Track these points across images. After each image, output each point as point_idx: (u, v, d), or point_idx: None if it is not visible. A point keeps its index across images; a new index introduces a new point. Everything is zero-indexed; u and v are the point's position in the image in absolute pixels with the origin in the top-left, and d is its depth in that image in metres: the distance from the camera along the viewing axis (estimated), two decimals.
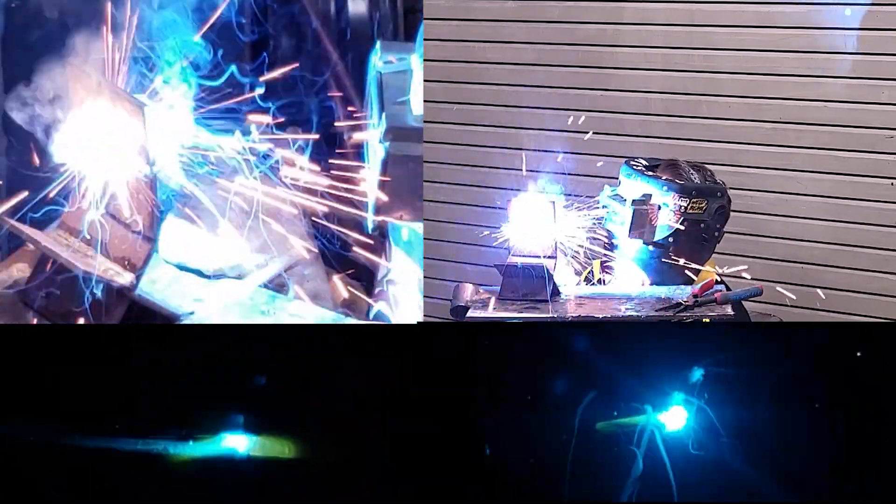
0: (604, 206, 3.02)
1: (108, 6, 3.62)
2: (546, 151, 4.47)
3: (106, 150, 3.63)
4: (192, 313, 3.77)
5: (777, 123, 4.30)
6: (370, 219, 3.76)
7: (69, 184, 3.64)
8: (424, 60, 4.02)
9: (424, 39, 4.34)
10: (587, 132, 4.46)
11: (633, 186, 3.02)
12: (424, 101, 3.77)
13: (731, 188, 3.13)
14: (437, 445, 2.52)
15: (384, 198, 3.66)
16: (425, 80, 3.88)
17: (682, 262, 2.99)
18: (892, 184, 4.16)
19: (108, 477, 2.49)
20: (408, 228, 3.79)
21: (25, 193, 3.65)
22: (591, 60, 4.60)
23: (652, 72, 4.50)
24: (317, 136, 3.88)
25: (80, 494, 2.50)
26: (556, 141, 4.52)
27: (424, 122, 3.73)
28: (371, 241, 3.93)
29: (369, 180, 3.81)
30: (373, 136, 3.78)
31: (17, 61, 3.91)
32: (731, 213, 3.11)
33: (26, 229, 3.69)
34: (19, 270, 3.88)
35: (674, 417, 2.50)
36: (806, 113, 4.25)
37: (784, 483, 2.48)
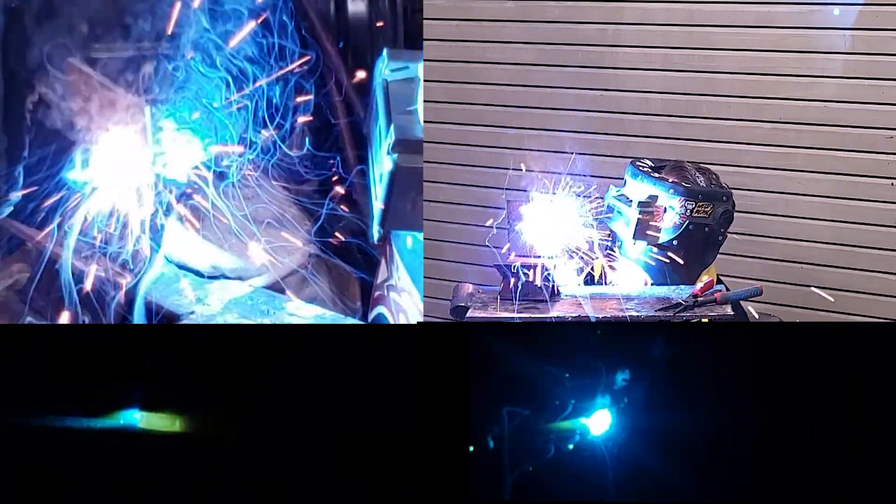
0: (609, 207, 3.02)
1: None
2: (546, 151, 4.48)
3: (107, 149, 3.63)
4: (192, 313, 3.77)
5: (777, 123, 4.30)
6: (375, 230, 3.74)
7: (69, 182, 3.64)
8: (424, 60, 4.01)
9: (424, 39, 4.34)
10: (587, 132, 4.47)
11: (639, 188, 3.02)
12: (424, 101, 3.77)
13: (731, 188, 3.13)
14: (433, 446, 2.52)
15: (391, 210, 3.64)
16: (425, 80, 3.88)
17: (684, 264, 2.99)
18: (892, 184, 4.16)
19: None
20: (411, 235, 3.78)
21: (25, 192, 3.65)
22: (591, 60, 4.60)
23: (652, 72, 4.50)
24: (321, 142, 3.88)
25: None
26: (556, 141, 4.52)
27: (424, 121, 3.72)
28: (373, 246, 3.93)
29: (374, 191, 3.80)
30: (379, 147, 3.77)
31: (16, 61, 3.90)
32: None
33: (25, 229, 3.70)
34: (19, 270, 3.87)
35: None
36: (806, 113, 4.25)
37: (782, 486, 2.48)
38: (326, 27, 4.11)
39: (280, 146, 3.85)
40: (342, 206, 3.91)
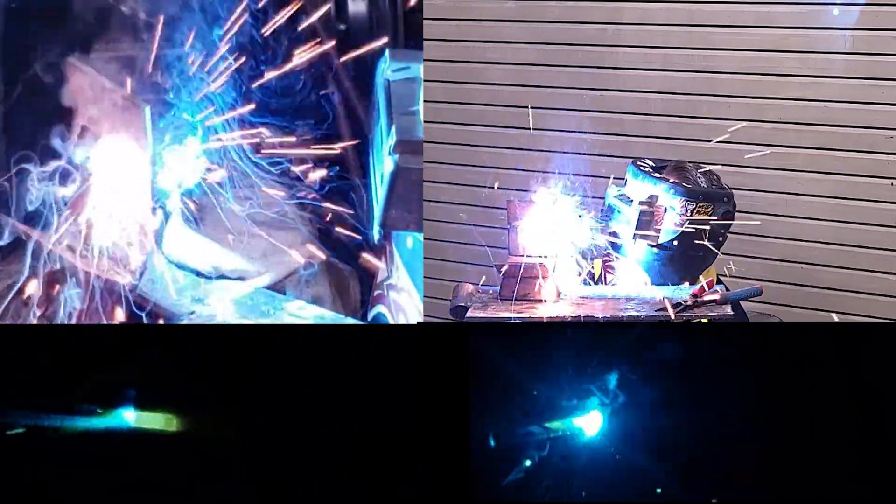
0: (609, 206, 3.02)
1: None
2: (546, 151, 4.48)
3: (107, 149, 3.64)
4: (192, 313, 3.77)
5: (777, 123, 4.30)
6: (376, 230, 3.74)
7: (70, 183, 3.64)
8: (424, 60, 4.01)
9: (424, 39, 4.34)
10: (587, 132, 4.47)
11: (640, 187, 3.01)
12: (424, 101, 3.77)
13: (731, 188, 3.13)
14: (433, 446, 2.52)
15: (392, 211, 3.63)
16: (425, 80, 3.88)
17: (684, 264, 2.99)
18: (892, 184, 4.16)
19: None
20: (411, 235, 3.78)
21: (26, 192, 3.65)
22: (591, 60, 4.60)
23: (652, 72, 4.50)
24: (322, 144, 3.88)
25: None
26: (556, 141, 4.52)
27: (424, 121, 3.72)
28: (373, 246, 3.93)
29: (375, 192, 3.80)
30: (381, 147, 3.77)
31: (17, 60, 3.91)
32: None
33: (26, 229, 3.69)
34: (19, 270, 3.87)
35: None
36: (806, 113, 4.25)
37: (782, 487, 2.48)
38: (327, 27, 4.11)
39: (281, 145, 3.85)
40: (343, 206, 3.92)
